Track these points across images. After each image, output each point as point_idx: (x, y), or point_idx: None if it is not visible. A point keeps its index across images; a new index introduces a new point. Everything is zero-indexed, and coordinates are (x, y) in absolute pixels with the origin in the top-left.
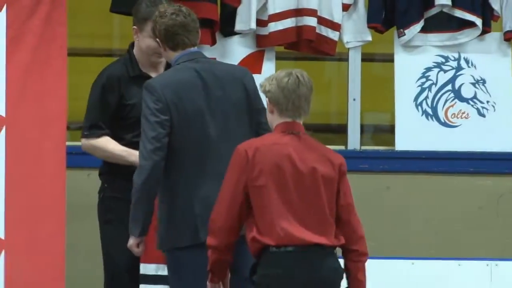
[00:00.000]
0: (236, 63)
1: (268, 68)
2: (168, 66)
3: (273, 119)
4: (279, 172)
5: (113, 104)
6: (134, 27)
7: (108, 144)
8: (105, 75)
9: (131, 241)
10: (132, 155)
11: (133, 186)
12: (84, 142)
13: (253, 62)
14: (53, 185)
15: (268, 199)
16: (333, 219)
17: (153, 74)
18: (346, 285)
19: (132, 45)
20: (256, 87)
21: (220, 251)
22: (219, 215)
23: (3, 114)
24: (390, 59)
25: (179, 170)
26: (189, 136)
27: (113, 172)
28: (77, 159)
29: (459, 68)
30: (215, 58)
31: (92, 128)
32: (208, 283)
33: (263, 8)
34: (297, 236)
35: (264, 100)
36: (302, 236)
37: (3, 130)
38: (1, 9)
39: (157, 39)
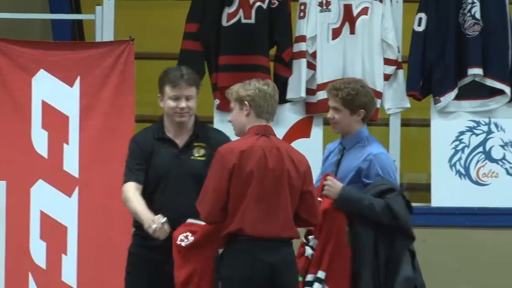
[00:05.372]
0: (287, 128)
1: (316, 133)
2: (195, 130)
3: (248, 122)
4: (255, 175)
5: (142, 157)
6: (159, 94)
7: (130, 191)
8: (136, 137)
9: None
10: (145, 217)
11: None
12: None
13: (303, 127)
14: (120, 242)
15: (244, 197)
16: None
17: (177, 139)
18: None
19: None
20: None
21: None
22: (203, 211)
23: (76, 175)
24: (426, 124)
25: None
26: None
27: (135, 225)
28: None
29: (489, 132)
30: None
31: (125, 176)
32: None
33: (312, 78)
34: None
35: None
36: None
37: (76, 190)
38: (75, 80)
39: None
